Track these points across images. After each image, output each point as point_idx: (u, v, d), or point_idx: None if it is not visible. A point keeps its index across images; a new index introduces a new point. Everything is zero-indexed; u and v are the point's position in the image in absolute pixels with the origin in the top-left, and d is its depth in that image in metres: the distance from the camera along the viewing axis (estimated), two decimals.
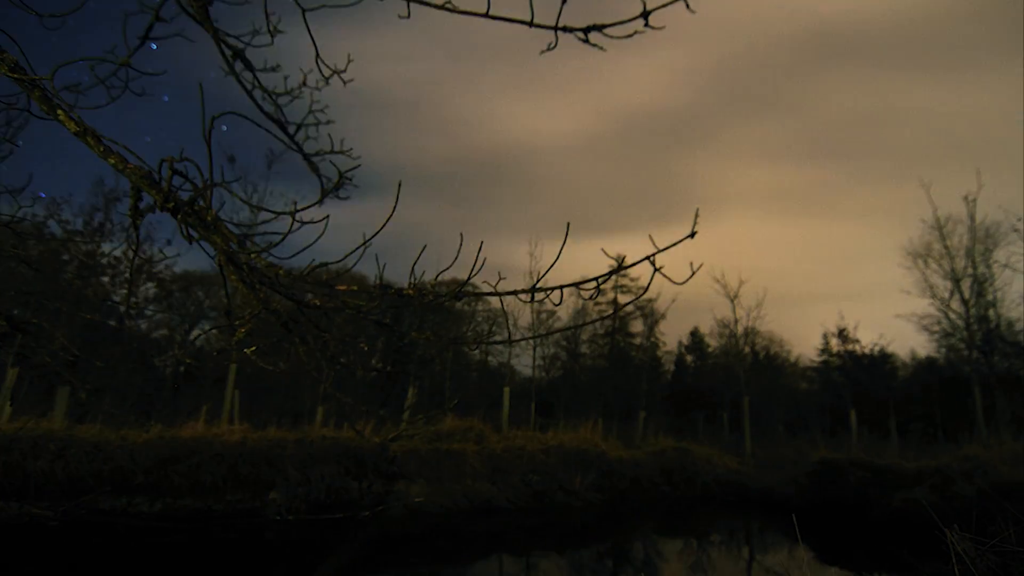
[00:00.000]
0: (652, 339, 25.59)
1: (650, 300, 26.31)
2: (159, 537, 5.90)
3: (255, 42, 3.18)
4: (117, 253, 13.80)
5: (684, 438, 16.20)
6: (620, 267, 1.95)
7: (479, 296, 2.08)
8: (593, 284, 2.03)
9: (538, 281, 2.05)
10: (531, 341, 20.20)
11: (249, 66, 3.31)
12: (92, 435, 6.56)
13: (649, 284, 2.06)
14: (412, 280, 2.04)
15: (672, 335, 38.22)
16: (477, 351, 24.60)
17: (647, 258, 1.88)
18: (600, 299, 27.11)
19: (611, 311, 27.58)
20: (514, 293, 2.08)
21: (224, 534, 6.35)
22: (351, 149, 2.69)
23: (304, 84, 3.48)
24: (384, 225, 2.12)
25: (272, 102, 3.42)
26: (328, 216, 1.81)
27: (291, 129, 3.50)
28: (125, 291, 16.25)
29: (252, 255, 2.11)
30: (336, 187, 2.03)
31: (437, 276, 2.06)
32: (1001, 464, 9.44)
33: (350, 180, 2.99)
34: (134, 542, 5.77)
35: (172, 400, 15.30)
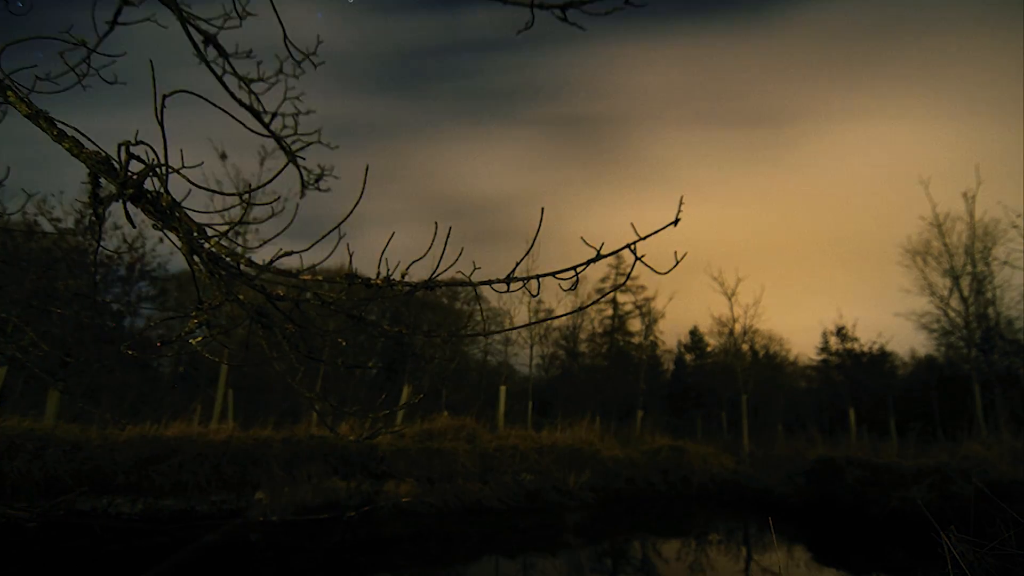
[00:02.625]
0: (651, 338, 25.51)
1: (648, 299, 26.25)
2: (141, 539, 5.80)
3: (227, 26, 3.07)
4: (96, 249, 13.65)
5: (682, 437, 16.13)
6: (599, 256, 1.85)
7: (452, 286, 1.97)
8: (571, 273, 1.92)
9: (514, 270, 1.95)
10: (528, 340, 20.12)
11: (222, 52, 3.20)
12: (72, 434, 6.46)
13: (631, 271, 1.95)
14: (385, 270, 1.93)
15: (672, 334, 38.21)
16: (477, 349, 24.56)
17: (628, 246, 1.78)
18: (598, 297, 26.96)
19: (608, 309, 27.52)
20: (489, 283, 1.97)
21: (208, 535, 6.25)
22: (317, 131, 2.58)
23: (281, 71, 3.37)
24: (352, 211, 2.02)
25: (246, 89, 3.31)
26: (278, 198, 1.71)
27: (266, 117, 3.39)
28: (119, 290, 16.12)
29: (212, 241, 2.01)
30: (292, 157, 1.91)
31: (409, 266, 1.95)
32: (1000, 463, 9.36)
33: (323, 169, 2.89)
34: (116, 544, 5.67)
35: (168, 399, 15.19)
